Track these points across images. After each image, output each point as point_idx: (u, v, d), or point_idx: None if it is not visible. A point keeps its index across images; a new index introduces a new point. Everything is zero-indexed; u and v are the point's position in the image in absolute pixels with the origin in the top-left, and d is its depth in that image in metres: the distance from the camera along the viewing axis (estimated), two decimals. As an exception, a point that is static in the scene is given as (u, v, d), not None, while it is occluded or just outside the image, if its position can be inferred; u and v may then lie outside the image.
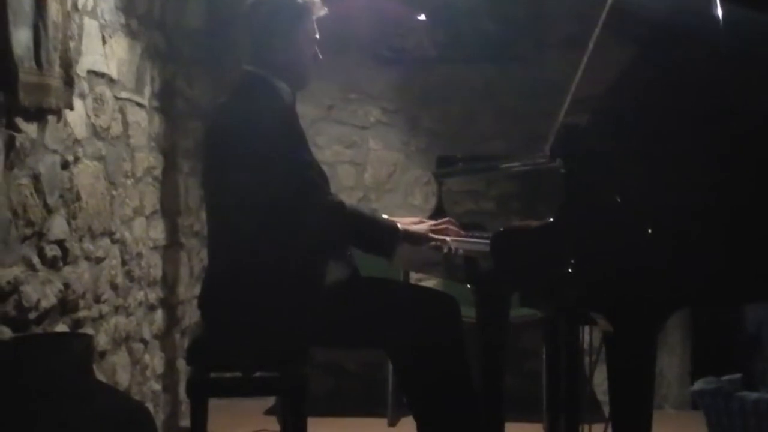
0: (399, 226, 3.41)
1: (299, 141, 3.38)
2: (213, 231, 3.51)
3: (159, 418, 4.80)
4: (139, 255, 4.54)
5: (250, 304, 3.29)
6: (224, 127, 3.44)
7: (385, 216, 3.49)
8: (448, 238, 3.37)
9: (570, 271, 2.77)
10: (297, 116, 3.48)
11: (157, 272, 4.84)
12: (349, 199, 5.17)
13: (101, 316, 4.00)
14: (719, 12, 3.07)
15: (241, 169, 3.31)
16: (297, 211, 3.30)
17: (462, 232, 3.46)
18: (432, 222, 3.53)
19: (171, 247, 5.07)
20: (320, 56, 3.58)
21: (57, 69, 3.44)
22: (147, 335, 4.66)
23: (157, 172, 4.85)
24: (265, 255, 3.31)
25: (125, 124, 4.35)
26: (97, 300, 3.95)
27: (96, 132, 3.96)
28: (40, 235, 3.39)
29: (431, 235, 3.41)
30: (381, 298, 3.38)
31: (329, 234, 3.40)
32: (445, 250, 3.32)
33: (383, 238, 3.40)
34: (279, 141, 3.30)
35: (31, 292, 3.30)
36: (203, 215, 5.51)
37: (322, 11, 3.56)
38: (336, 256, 3.44)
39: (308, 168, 3.34)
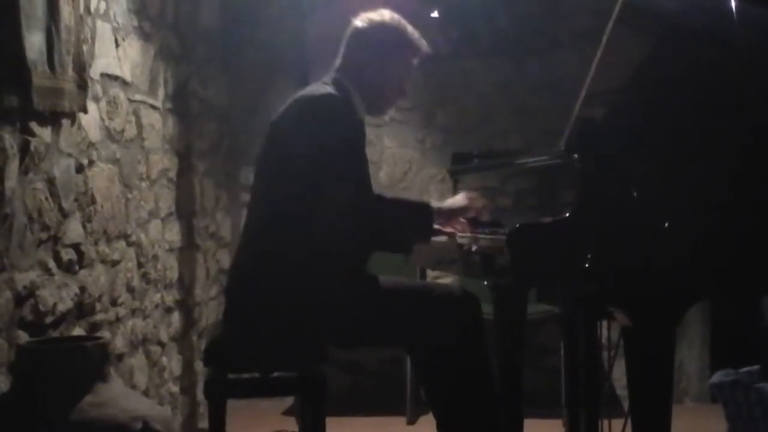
0: (433, 206, 3.48)
1: (358, 158, 3.39)
2: (250, 220, 3.53)
3: (177, 420, 4.81)
4: (155, 257, 4.54)
5: (271, 302, 3.29)
6: (291, 120, 3.42)
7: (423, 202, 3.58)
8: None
9: (587, 266, 2.77)
10: (365, 135, 3.47)
11: (174, 274, 4.84)
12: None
13: (118, 319, 4.00)
14: (733, 6, 3.06)
15: (293, 165, 3.32)
16: (326, 219, 3.30)
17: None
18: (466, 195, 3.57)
19: (187, 249, 5.07)
20: (406, 94, 3.63)
21: (70, 72, 3.44)
22: (164, 337, 4.66)
23: (172, 173, 4.85)
24: (289, 253, 3.32)
25: (139, 126, 4.35)
26: (114, 303, 3.96)
27: (110, 135, 3.97)
28: (55, 239, 3.39)
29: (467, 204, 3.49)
30: (401, 296, 3.37)
31: (357, 245, 3.42)
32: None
33: (416, 235, 3.51)
34: (338, 152, 3.30)
35: (47, 296, 3.30)
36: (219, 216, 5.55)
37: (427, 52, 3.60)
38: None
39: (351, 189, 3.34)
